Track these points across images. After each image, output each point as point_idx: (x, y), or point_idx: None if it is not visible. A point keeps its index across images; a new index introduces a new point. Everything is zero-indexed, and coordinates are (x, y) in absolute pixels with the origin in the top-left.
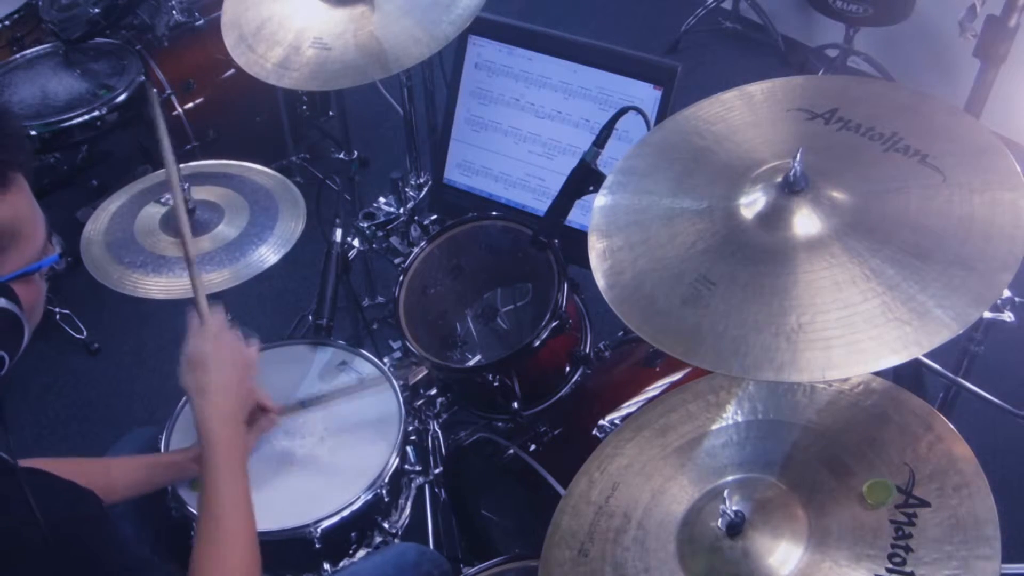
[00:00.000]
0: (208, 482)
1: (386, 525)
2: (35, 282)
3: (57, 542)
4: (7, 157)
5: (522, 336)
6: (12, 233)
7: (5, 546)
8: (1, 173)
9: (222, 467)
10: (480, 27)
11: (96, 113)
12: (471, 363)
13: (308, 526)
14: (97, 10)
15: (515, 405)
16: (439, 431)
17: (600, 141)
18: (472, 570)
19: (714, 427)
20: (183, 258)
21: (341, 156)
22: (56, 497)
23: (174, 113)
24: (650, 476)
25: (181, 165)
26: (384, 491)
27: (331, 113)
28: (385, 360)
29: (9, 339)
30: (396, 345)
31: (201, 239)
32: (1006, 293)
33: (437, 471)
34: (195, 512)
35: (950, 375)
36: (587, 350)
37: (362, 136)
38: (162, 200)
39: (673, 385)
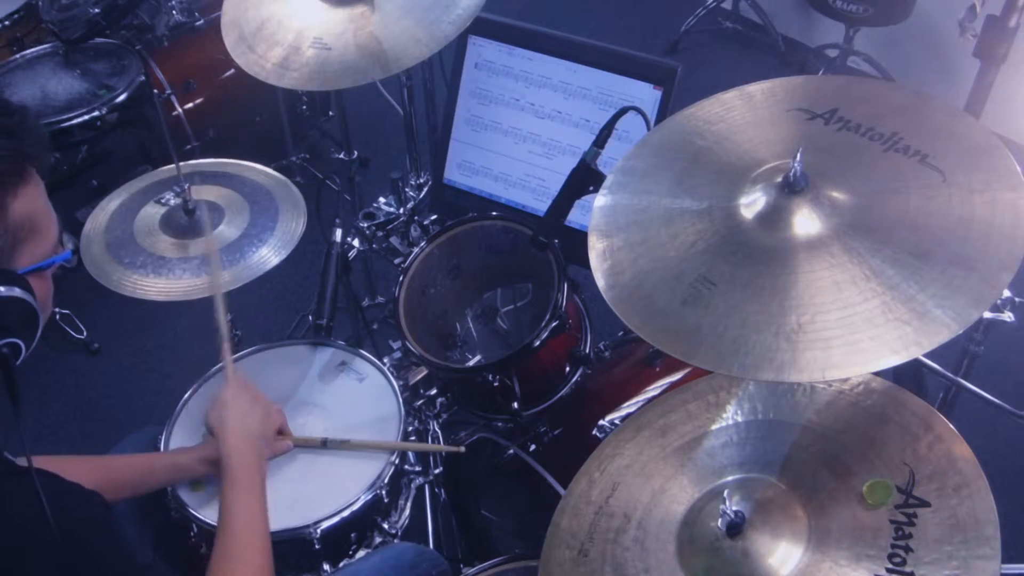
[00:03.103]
0: (225, 504)
1: (386, 526)
2: (46, 278)
3: (65, 543)
4: (26, 152)
5: (522, 336)
6: (29, 227)
7: (15, 547)
8: (20, 167)
9: (240, 494)
10: (480, 27)
11: (96, 113)
12: (471, 363)
13: (308, 526)
14: (97, 10)
15: (515, 405)
16: (439, 431)
17: (600, 141)
18: (472, 570)
19: (714, 427)
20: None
21: (341, 156)
22: (64, 498)
23: (174, 113)
24: (650, 476)
25: (181, 164)
26: (384, 491)
27: (331, 113)
28: (385, 360)
29: (26, 328)
30: (396, 345)
31: (201, 239)
32: (1006, 293)
33: (437, 471)
34: (195, 513)
35: (950, 375)
36: (587, 350)
37: (362, 136)
38: (162, 200)
39: (673, 385)
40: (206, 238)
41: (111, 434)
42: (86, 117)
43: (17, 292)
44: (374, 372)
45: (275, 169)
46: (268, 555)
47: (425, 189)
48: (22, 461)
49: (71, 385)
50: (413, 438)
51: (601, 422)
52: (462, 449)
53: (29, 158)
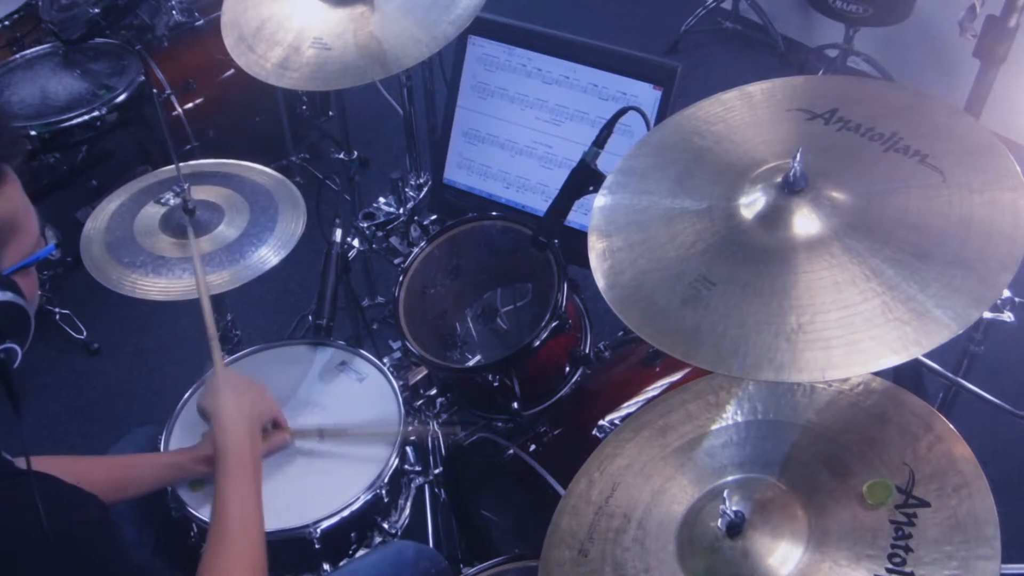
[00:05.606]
0: (219, 492)
1: (386, 525)
2: (31, 274)
3: (59, 546)
4: (1, 151)
5: (522, 336)
6: (10, 227)
7: (8, 549)
8: None
9: (231, 481)
10: (480, 27)
11: (96, 113)
12: (471, 363)
13: (308, 526)
14: (97, 10)
15: (515, 405)
16: (439, 431)
17: (600, 141)
18: (472, 570)
19: (714, 427)
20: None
21: (341, 156)
22: (59, 501)
23: (174, 113)
24: (650, 476)
25: (181, 165)
26: (384, 491)
27: (331, 113)
28: (385, 360)
29: (20, 331)
30: (396, 345)
31: (201, 239)
32: (1006, 293)
33: (437, 471)
34: (195, 513)
35: (950, 375)
36: (587, 350)
37: (362, 136)
38: (162, 200)
39: (673, 385)
40: (189, 241)
41: (111, 434)
42: (86, 117)
43: (9, 296)
44: (374, 372)
45: (275, 169)
46: (262, 541)
47: (425, 189)
48: (22, 462)
49: (71, 385)
50: (413, 438)
51: (601, 422)
52: (459, 432)
53: (4, 157)
